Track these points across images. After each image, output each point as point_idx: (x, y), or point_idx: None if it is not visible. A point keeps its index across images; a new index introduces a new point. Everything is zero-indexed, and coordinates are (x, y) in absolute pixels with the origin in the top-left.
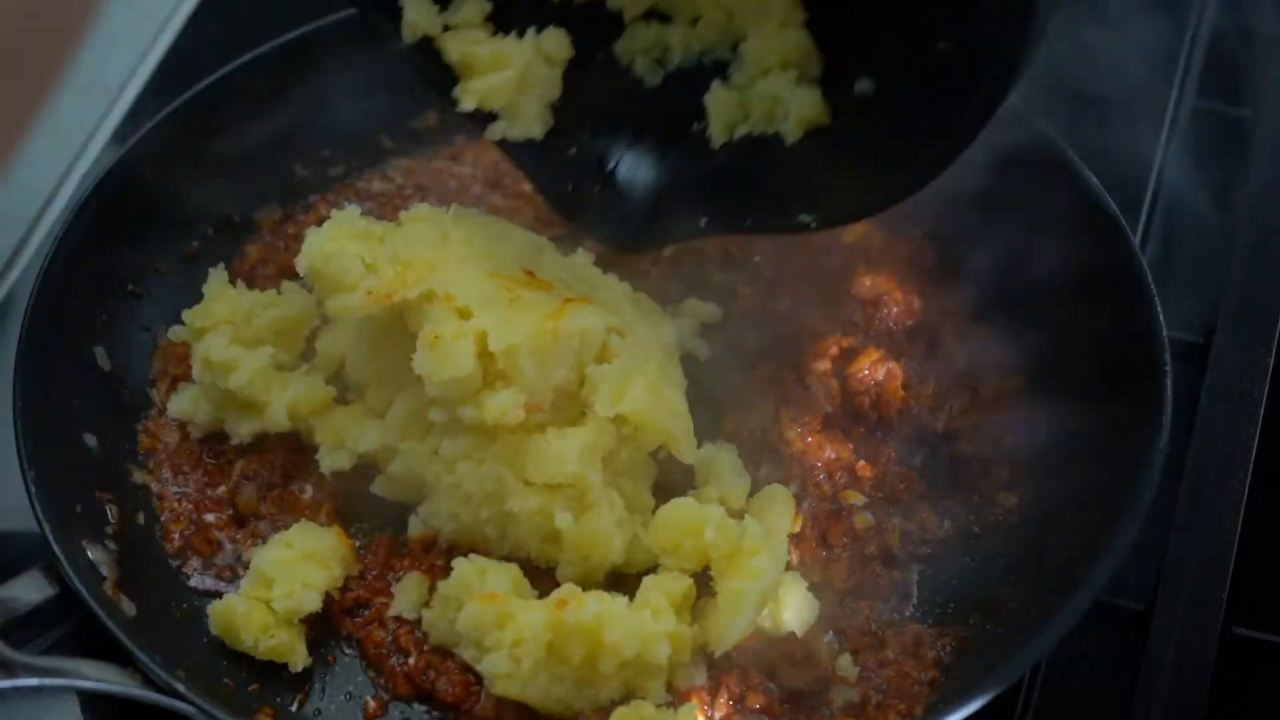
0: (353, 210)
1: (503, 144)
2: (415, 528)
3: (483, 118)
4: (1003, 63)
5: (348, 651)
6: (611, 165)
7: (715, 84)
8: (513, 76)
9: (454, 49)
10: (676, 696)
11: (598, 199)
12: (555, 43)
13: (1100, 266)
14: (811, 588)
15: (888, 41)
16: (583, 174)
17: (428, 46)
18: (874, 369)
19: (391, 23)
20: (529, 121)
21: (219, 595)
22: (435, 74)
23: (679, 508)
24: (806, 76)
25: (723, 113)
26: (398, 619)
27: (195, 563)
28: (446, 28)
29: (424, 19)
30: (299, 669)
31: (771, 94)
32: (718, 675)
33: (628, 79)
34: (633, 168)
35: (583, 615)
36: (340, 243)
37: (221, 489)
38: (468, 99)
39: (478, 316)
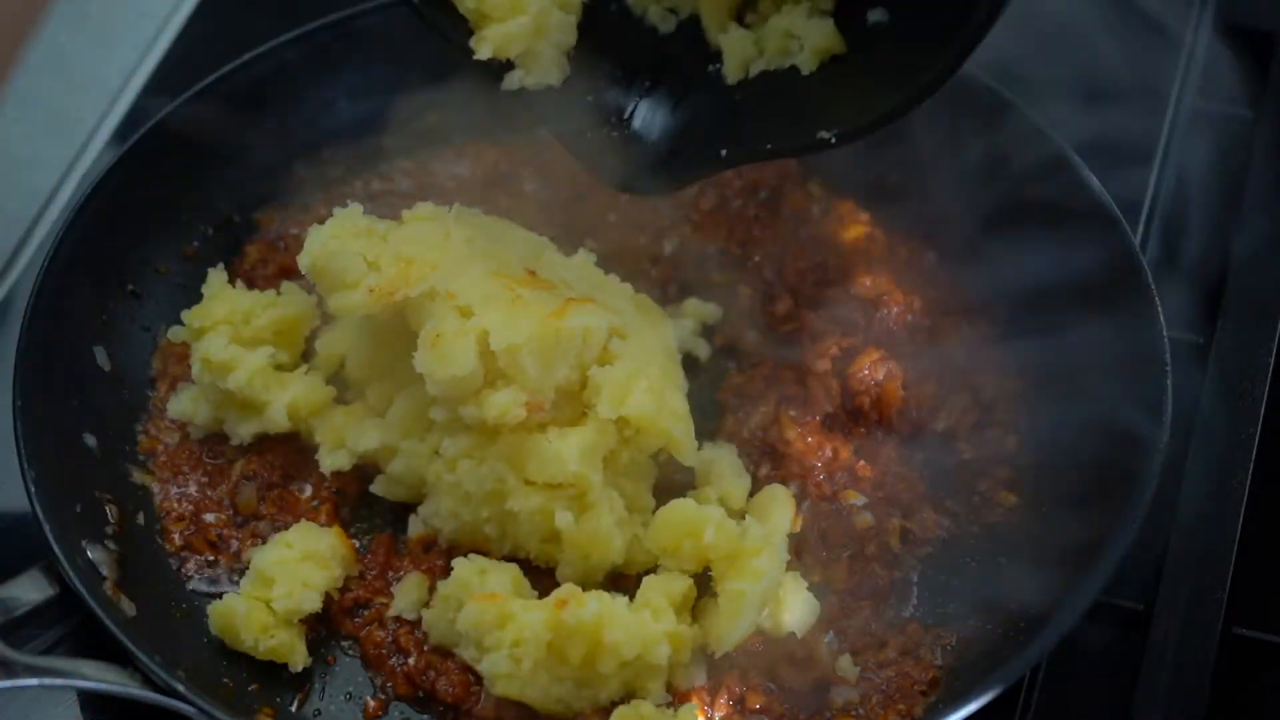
0: (355, 208)
1: (521, 94)
2: (415, 528)
3: (499, 68)
4: None
5: (348, 651)
6: (629, 112)
7: (729, 25)
8: (529, 21)
9: None
10: (676, 696)
11: (616, 145)
12: None
13: (1100, 266)
14: (811, 588)
15: None
16: (600, 121)
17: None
18: (874, 369)
19: None
20: (546, 68)
21: (219, 595)
22: (451, 27)
23: (679, 509)
24: (819, 10)
25: (737, 51)
26: (398, 619)
27: (195, 563)
28: None
29: None
30: (299, 669)
31: (785, 28)
32: (718, 675)
33: (642, 27)
34: (650, 113)
35: (583, 615)
36: (342, 240)
37: (221, 489)
38: (483, 46)
39: (479, 315)
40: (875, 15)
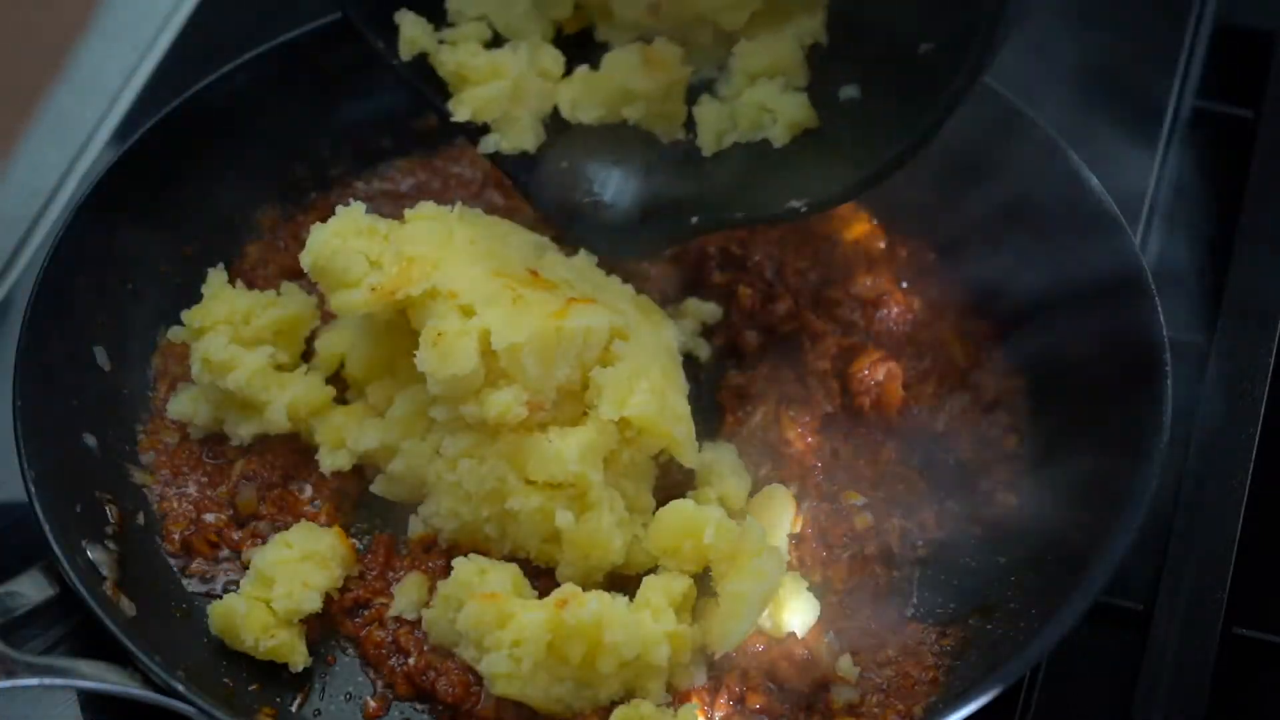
0: (357, 207)
1: (495, 157)
2: (415, 528)
3: (475, 131)
4: (982, 44)
5: (348, 651)
6: (602, 181)
7: (704, 97)
8: (506, 87)
9: (448, 60)
10: (676, 697)
11: (589, 211)
12: (549, 57)
13: (1100, 266)
14: (811, 588)
15: (874, 48)
16: (574, 187)
17: (422, 61)
18: (874, 369)
19: (384, 41)
20: (521, 134)
21: (219, 595)
22: (429, 87)
23: (678, 510)
24: (792, 86)
25: (712, 123)
26: (398, 619)
27: (195, 563)
28: (442, 43)
29: (421, 35)
30: (299, 669)
31: (759, 102)
32: (718, 675)
33: None
34: (623, 182)
35: (583, 615)
36: (344, 239)
37: (221, 489)
38: (461, 110)
39: (481, 314)
40: (848, 91)
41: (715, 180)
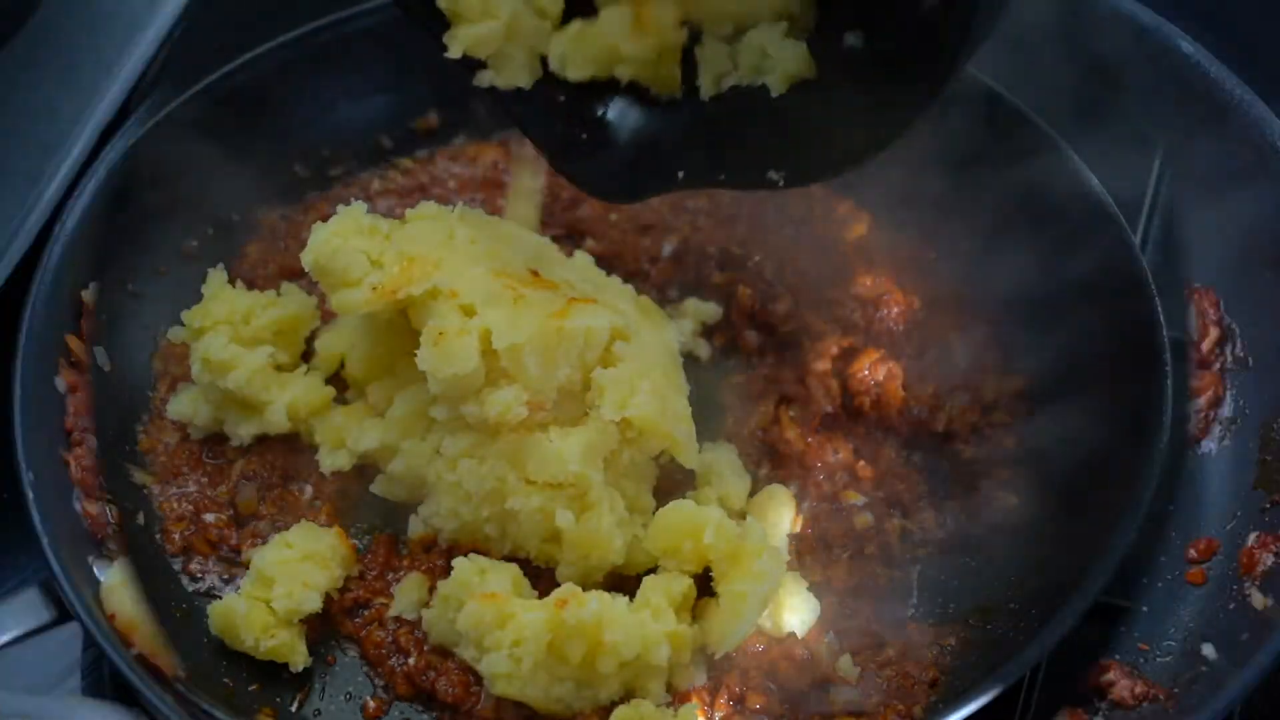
0: (358, 206)
1: (491, 92)
2: (415, 528)
3: (474, 64)
4: (976, 21)
5: (348, 651)
6: (602, 111)
7: (707, 35)
8: (499, 26)
9: None
10: (677, 696)
11: (584, 145)
12: None
13: (1100, 266)
14: (811, 588)
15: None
16: (571, 120)
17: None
18: (874, 369)
19: None
20: (516, 71)
21: (219, 595)
22: (429, 20)
23: (679, 510)
24: (798, 28)
25: (713, 63)
26: (398, 619)
27: (195, 563)
28: None
29: None
30: (299, 669)
31: (760, 46)
32: (718, 675)
33: None
34: (624, 109)
35: (583, 615)
36: (345, 238)
37: (221, 489)
38: (455, 46)
39: (482, 314)
40: (851, 39)
41: (707, 132)
